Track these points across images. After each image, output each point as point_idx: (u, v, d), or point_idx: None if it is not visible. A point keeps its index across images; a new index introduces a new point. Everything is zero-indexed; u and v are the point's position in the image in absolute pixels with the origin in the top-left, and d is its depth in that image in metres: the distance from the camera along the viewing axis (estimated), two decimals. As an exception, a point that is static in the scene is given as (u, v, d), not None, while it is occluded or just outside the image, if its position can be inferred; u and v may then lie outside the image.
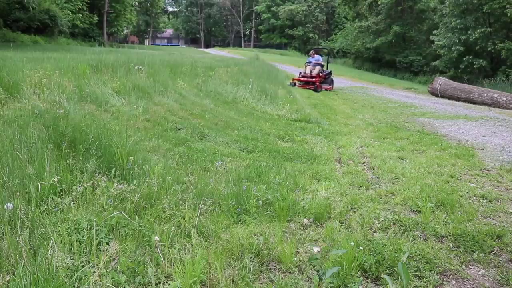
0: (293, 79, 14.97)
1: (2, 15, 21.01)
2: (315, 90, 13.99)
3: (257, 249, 2.57)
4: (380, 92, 15.98)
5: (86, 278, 2.05)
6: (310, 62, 15.11)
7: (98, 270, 2.11)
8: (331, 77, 15.16)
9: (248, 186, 3.40)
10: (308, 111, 9.11)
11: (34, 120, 4.17)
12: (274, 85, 12.05)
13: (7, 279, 1.99)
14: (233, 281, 2.25)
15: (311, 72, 14.66)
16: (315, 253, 2.61)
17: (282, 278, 2.35)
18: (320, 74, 14.54)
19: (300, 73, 15.36)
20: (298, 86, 14.44)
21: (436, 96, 14.99)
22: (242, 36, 67.09)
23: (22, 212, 2.47)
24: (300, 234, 2.91)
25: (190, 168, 4.08)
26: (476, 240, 2.92)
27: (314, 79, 14.30)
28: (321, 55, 17.15)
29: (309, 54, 15.61)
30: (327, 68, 15.46)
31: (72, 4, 26.62)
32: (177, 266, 2.20)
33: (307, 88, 14.17)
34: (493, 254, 2.79)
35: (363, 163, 5.09)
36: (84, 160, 3.48)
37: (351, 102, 12.39)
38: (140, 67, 8.45)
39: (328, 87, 14.56)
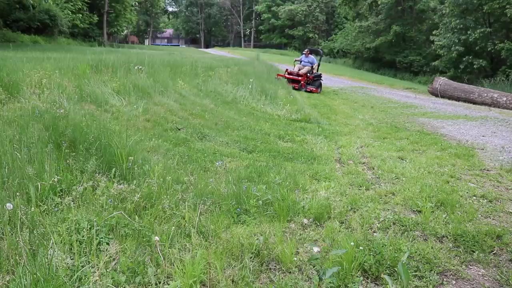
0: (278, 75, 14.55)
1: (2, 15, 21.01)
2: (299, 88, 13.78)
3: (257, 249, 2.57)
4: (380, 92, 15.97)
5: (86, 278, 2.04)
6: (301, 61, 14.79)
7: (98, 270, 2.10)
8: (320, 80, 14.66)
9: (248, 186, 3.40)
10: (308, 111, 9.11)
11: (34, 120, 4.17)
12: (274, 85, 12.03)
13: (7, 279, 1.98)
14: (233, 281, 2.25)
15: (299, 70, 14.39)
16: (315, 253, 2.60)
17: (282, 278, 2.35)
18: (308, 74, 14.24)
19: (287, 69, 14.95)
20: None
21: (436, 96, 14.99)
22: (242, 36, 67.10)
23: (22, 212, 2.47)
24: (300, 234, 2.91)
25: (190, 168, 4.08)
26: (476, 240, 2.92)
27: (300, 78, 14.02)
28: (321, 56, 17.02)
29: (304, 52, 15.28)
30: (317, 71, 15.20)
31: (72, 4, 26.62)
32: (177, 266, 2.20)
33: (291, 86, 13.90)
34: (493, 254, 2.79)
35: (363, 163, 5.09)
36: (84, 160, 3.48)
37: (351, 102, 12.39)
38: (140, 67, 8.45)
39: (313, 88, 13.98)
